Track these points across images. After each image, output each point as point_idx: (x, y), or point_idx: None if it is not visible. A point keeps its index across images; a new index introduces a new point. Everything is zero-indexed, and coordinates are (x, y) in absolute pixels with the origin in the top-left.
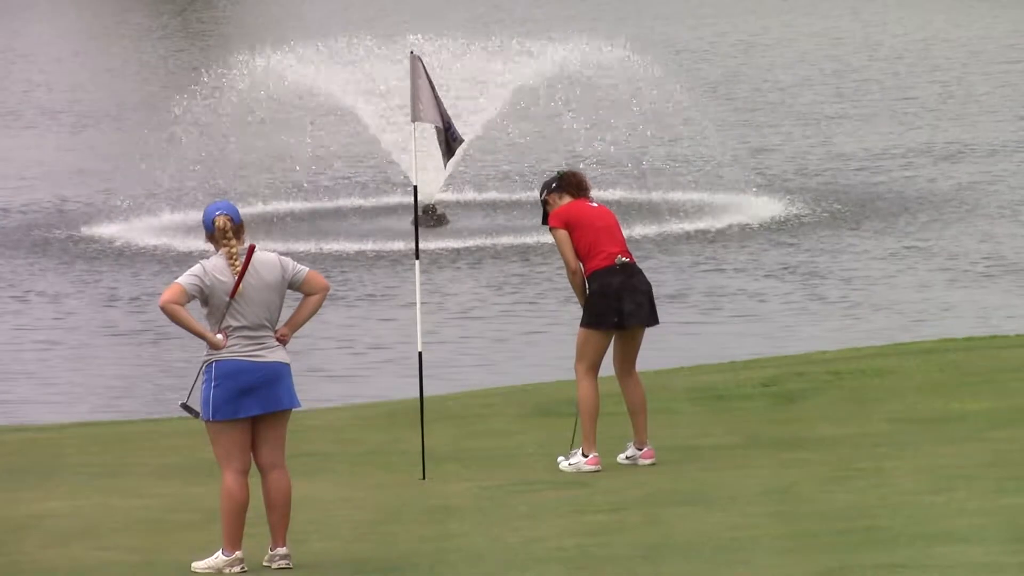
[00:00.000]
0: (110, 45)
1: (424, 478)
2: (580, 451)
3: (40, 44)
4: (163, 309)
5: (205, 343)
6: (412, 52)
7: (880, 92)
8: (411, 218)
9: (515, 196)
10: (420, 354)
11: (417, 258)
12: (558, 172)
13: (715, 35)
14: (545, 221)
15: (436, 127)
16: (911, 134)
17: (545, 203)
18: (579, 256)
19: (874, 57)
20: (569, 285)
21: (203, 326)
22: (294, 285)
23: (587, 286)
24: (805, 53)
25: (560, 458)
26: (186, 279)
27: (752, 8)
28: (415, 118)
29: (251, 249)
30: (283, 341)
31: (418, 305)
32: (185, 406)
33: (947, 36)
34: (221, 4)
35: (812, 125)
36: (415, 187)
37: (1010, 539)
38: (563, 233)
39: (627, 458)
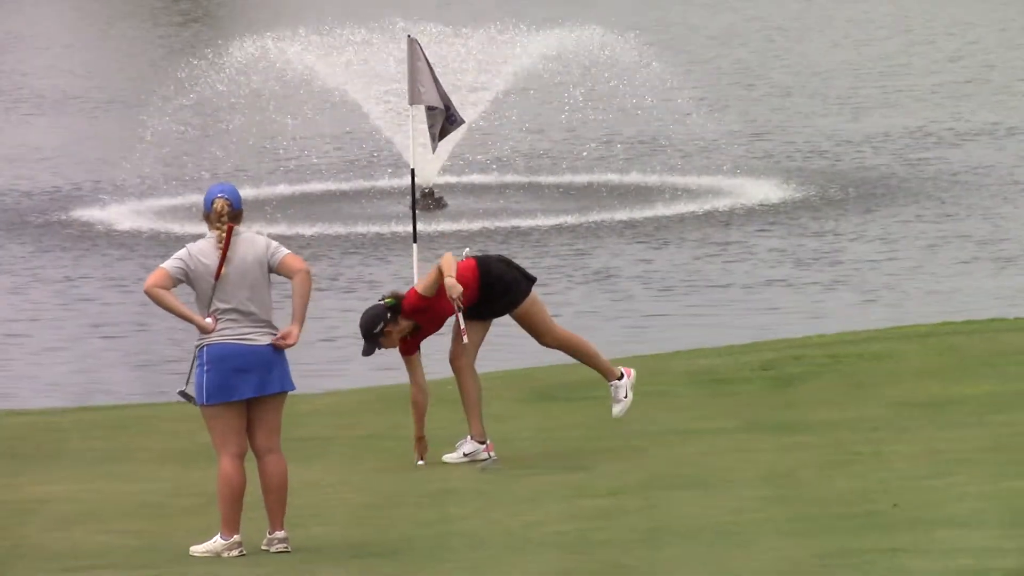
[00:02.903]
0: (118, 32)
1: (422, 462)
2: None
3: (50, 31)
4: (147, 293)
5: (197, 328)
6: (409, 36)
7: (910, 76)
8: (409, 201)
9: (514, 179)
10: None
11: (415, 241)
12: (384, 301)
13: (746, 20)
14: (369, 353)
15: (435, 108)
16: (937, 118)
17: (380, 335)
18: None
19: (908, 41)
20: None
21: (190, 310)
22: (272, 267)
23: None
24: (838, 37)
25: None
26: (170, 263)
27: None
28: (413, 100)
29: (229, 229)
30: (291, 342)
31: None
32: (183, 393)
33: (981, 20)
34: None
35: (833, 110)
36: (412, 170)
37: (1010, 523)
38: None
39: (466, 455)
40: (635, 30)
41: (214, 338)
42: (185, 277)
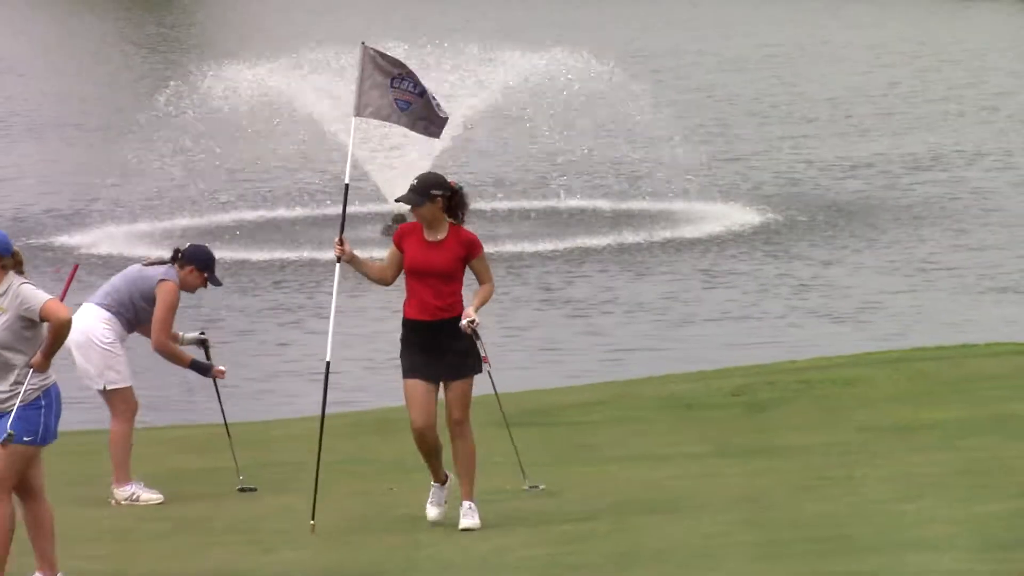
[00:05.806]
0: (94, 53)
1: (392, 488)
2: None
3: (30, 54)
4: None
5: (30, 371)
6: (363, 43)
7: (913, 103)
8: (381, 228)
9: (487, 206)
10: (328, 364)
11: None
12: (455, 183)
13: (752, 47)
14: (409, 202)
15: (391, 114)
16: (941, 143)
17: (439, 197)
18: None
19: (912, 67)
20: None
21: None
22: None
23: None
24: (836, 64)
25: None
26: None
27: (783, 19)
28: (357, 112)
29: (75, 268)
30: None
31: (335, 290)
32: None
33: (991, 47)
34: (200, 11)
35: (812, 133)
36: (346, 186)
37: (980, 547)
38: None
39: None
40: (636, 56)
41: (52, 377)
42: None
